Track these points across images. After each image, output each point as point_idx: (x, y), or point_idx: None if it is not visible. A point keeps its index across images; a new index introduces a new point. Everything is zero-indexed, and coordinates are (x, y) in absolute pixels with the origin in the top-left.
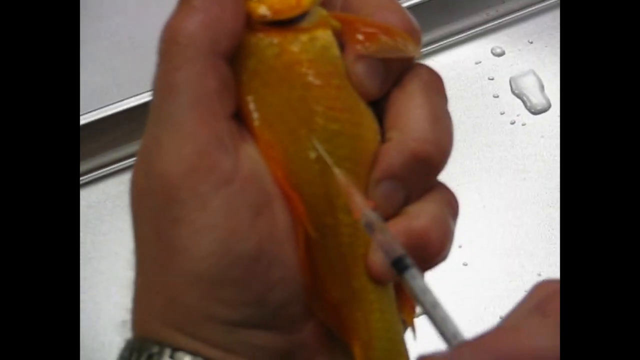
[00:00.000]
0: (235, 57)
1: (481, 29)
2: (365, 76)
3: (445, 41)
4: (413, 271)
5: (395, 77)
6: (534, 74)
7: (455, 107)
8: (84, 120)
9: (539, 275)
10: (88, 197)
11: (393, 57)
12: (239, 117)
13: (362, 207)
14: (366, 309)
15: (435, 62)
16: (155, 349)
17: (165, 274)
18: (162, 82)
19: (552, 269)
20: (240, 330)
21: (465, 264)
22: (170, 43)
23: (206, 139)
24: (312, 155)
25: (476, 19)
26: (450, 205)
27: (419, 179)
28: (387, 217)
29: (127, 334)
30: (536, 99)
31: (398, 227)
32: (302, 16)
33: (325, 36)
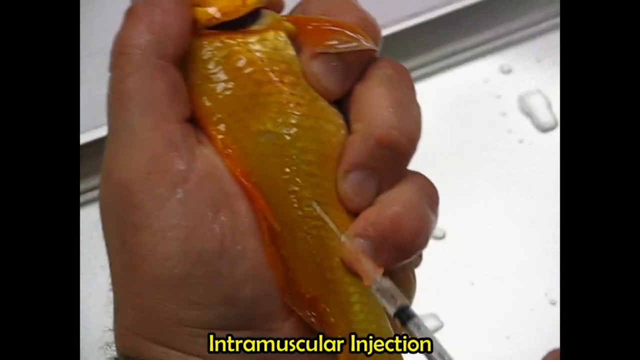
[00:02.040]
0: (186, 62)
1: (489, 47)
2: (322, 74)
3: (453, 58)
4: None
5: (356, 74)
6: (542, 92)
7: (462, 125)
8: (94, 135)
9: (546, 294)
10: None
11: (348, 52)
12: (195, 121)
13: (372, 274)
14: (344, 302)
15: (443, 79)
16: None
17: (133, 283)
18: (113, 91)
19: (559, 289)
20: (213, 333)
21: (472, 283)
22: (118, 54)
23: (159, 142)
24: (269, 150)
25: (484, 36)
26: (425, 191)
27: (388, 166)
28: (361, 209)
29: (111, 353)
30: (544, 118)
31: (369, 217)
32: (252, 19)
33: (277, 37)
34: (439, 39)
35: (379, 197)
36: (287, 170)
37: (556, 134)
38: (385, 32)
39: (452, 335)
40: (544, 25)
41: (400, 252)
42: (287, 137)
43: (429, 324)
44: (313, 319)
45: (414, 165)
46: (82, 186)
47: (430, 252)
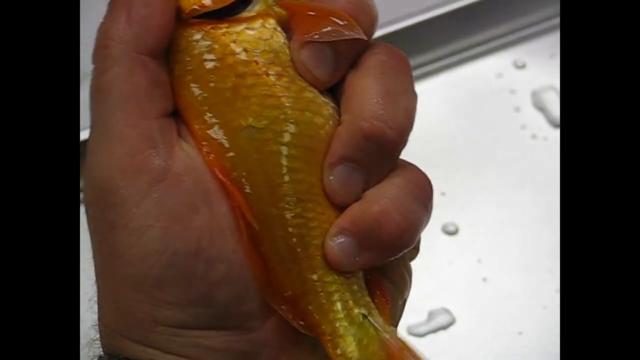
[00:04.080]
0: (170, 54)
1: (503, 42)
2: (311, 63)
3: (466, 53)
4: None
5: (348, 62)
6: (556, 87)
7: (475, 120)
8: None
9: (557, 291)
10: None
11: (338, 41)
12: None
13: None
14: (325, 301)
15: (456, 74)
16: None
17: (111, 282)
18: (93, 86)
19: None
20: (191, 332)
21: (484, 279)
22: (100, 48)
23: (136, 138)
24: (250, 145)
25: (498, 31)
26: (415, 186)
27: (376, 160)
28: (347, 203)
29: (95, 350)
30: (557, 113)
31: (352, 213)
32: (238, 7)
33: (265, 25)
34: (453, 34)
35: (365, 192)
36: (269, 166)
37: None
38: (398, 26)
39: (465, 331)
40: (557, 21)
41: (384, 251)
42: (269, 132)
43: (441, 319)
44: (293, 317)
45: (427, 160)
46: (83, 184)
47: (443, 247)
